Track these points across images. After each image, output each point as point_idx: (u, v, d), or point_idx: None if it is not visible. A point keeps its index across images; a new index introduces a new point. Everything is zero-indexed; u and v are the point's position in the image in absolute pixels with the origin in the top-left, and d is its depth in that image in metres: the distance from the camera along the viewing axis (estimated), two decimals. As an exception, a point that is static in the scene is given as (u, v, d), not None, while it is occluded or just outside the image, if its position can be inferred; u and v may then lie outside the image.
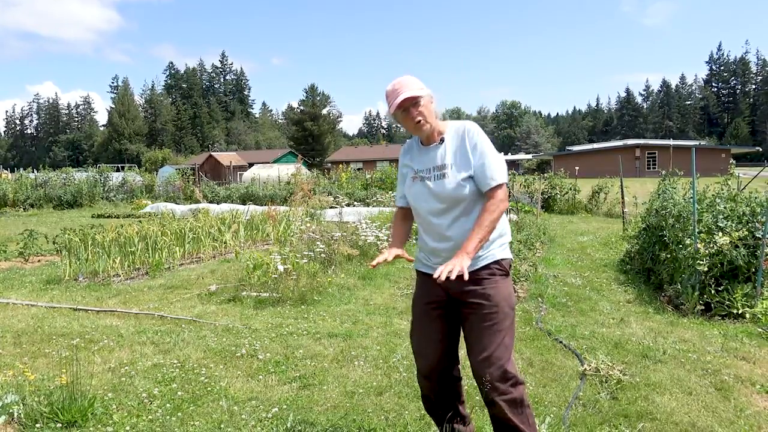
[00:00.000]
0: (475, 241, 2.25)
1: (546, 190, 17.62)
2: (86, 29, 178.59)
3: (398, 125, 2.61)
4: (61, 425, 3.04)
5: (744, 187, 7.82)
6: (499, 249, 2.43)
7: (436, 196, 2.39)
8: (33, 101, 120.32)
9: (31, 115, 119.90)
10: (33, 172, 27.74)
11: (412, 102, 2.35)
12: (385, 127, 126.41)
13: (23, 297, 6.31)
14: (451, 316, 2.49)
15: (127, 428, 3.08)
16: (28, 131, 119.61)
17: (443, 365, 2.52)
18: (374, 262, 2.42)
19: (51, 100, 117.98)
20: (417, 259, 2.62)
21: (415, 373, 2.65)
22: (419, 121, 2.37)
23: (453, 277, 2.14)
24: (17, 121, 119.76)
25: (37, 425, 3.03)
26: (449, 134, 2.44)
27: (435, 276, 2.18)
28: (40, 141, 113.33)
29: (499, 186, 2.32)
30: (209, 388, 3.65)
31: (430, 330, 2.50)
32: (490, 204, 2.30)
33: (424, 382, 2.57)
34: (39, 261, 8.94)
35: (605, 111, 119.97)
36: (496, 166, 2.34)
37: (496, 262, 2.40)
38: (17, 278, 7.43)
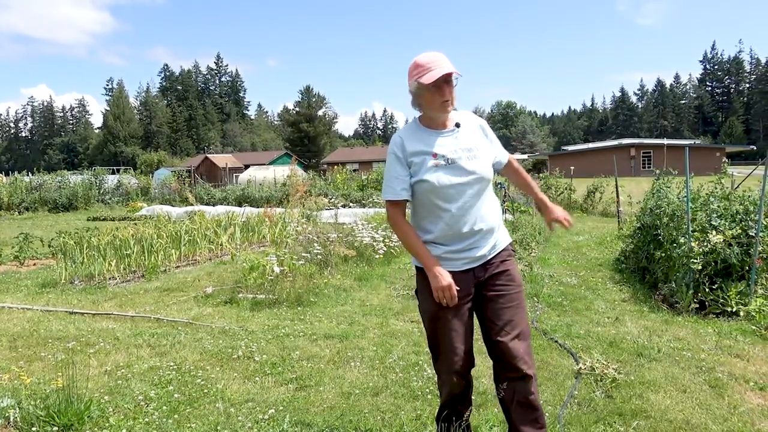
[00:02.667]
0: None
1: (541, 189, 17.66)
2: (80, 32, 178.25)
3: (392, 125, 2.60)
4: (57, 428, 3.04)
5: (737, 186, 7.87)
6: (505, 231, 2.61)
7: (471, 175, 2.39)
8: (27, 104, 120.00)
9: (26, 117, 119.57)
10: (28, 175, 27.63)
11: (452, 78, 2.35)
12: (381, 128, 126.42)
13: (19, 301, 6.29)
14: (472, 308, 2.52)
15: (124, 431, 3.08)
16: (23, 134, 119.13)
17: (472, 357, 2.53)
18: (452, 298, 2.35)
19: (45, 103, 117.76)
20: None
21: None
22: (447, 100, 2.37)
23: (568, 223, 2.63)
24: (11, 124, 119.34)
25: (33, 429, 3.02)
26: (465, 121, 2.50)
27: (564, 226, 2.64)
28: (35, 144, 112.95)
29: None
30: (206, 391, 3.65)
31: (463, 327, 2.45)
32: (519, 167, 2.71)
33: (457, 379, 2.48)
34: (34, 264, 8.91)
35: (600, 111, 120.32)
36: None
37: (510, 244, 2.60)
38: (13, 282, 7.41)
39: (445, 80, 2.33)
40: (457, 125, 2.46)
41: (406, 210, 2.55)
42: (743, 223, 5.55)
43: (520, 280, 2.53)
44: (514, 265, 2.53)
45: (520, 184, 2.78)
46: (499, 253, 2.50)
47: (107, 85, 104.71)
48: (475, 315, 2.53)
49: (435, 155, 2.38)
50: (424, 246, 2.43)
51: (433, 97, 2.36)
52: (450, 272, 2.37)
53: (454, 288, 2.34)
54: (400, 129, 2.58)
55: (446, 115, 2.44)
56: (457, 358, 2.44)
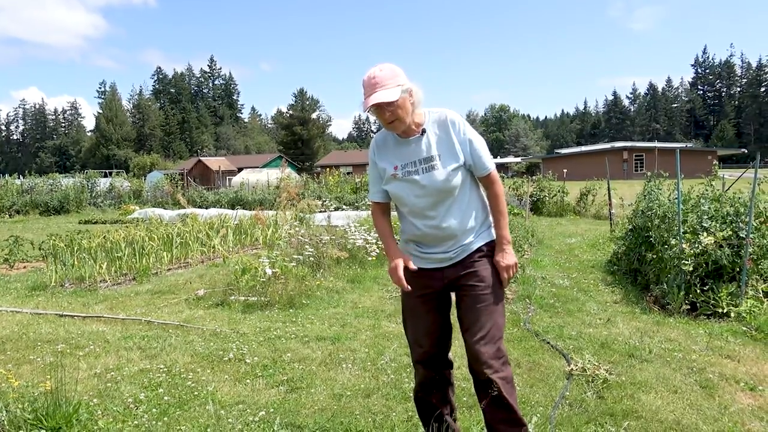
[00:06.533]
0: (507, 227, 2.50)
1: (535, 192, 17.71)
2: (73, 35, 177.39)
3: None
4: (45, 431, 3.01)
5: (728, 188, 7.91)
6: (487, 231, 2.51)
7: (425, 189, 2.36)
8: (19, 107, 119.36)
9: (17, 120, 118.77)
10: (19, 178, 27.50)
11: (385, 104, 2.27)
12: (375, 131, 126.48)
13: (8, 303, 6.23)
14: (443, 305, 2.55)
15: (113, 434, 3.05)
16: (14, 137, 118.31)
17: (438, 351, 2.58)
18: (403, 284, 2.42)
19: (37, 106, 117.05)
20: (404, 252, 2.54)
21: (409, 371, 2.66)
22: (392, 121, 2.32)
23: (512, 274, 2.46)
24: (3, 127, 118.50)
25: (21, 432, 2.99)
26: (430, 125, 2.40)
27: (506, 286, 2.47)
28: (27, 147, 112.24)
29: (492, 170, 2.46)
30: (196, 393, 3.63)
31: (425, 321, 2.54)
32: (496, 188, 2.47)
33: (420, 369, 2.61)
34: (24, 267, 8.84)
35: (593, 114, 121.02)
36: (486, 151, 2.45)
37: (486, 244, 2.49)
38: (2, 285, 7.35)
39: (379, 106, 2.27)
40: (423, 131, 2.38)
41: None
42: (734, 224, 5.58)
43: (491, 279, 2.43)
44: (487, 265, 2.44)
45: (490, 203, 2.55)
46: (471, 254, 2.44)
47: (100, 87, 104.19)
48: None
49: (396, 167, 2.42)
50: (392, 242, 2.55)
51: (378, 118, 2.36)
52: (421, 269, 2.46)
53: (400, 272, 2.42)
54: (378, 132, 2.57)
55: (400, 131, 2.37)
56: (418, 348, 2.58)
